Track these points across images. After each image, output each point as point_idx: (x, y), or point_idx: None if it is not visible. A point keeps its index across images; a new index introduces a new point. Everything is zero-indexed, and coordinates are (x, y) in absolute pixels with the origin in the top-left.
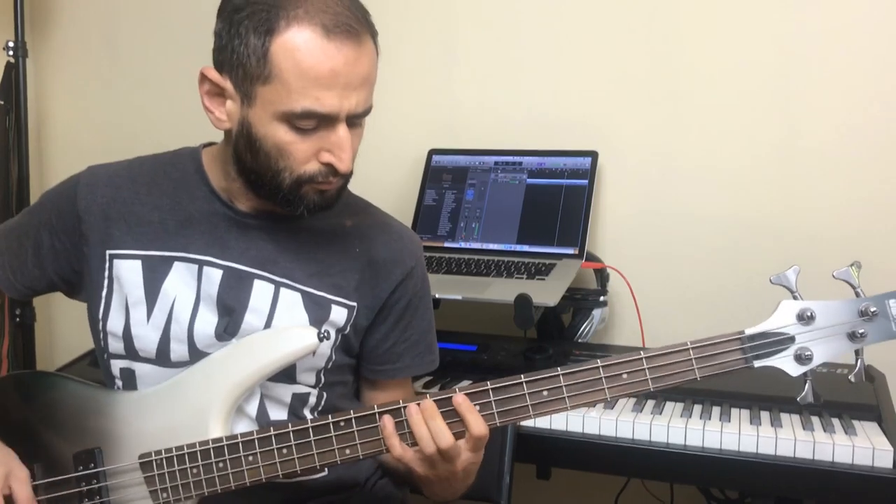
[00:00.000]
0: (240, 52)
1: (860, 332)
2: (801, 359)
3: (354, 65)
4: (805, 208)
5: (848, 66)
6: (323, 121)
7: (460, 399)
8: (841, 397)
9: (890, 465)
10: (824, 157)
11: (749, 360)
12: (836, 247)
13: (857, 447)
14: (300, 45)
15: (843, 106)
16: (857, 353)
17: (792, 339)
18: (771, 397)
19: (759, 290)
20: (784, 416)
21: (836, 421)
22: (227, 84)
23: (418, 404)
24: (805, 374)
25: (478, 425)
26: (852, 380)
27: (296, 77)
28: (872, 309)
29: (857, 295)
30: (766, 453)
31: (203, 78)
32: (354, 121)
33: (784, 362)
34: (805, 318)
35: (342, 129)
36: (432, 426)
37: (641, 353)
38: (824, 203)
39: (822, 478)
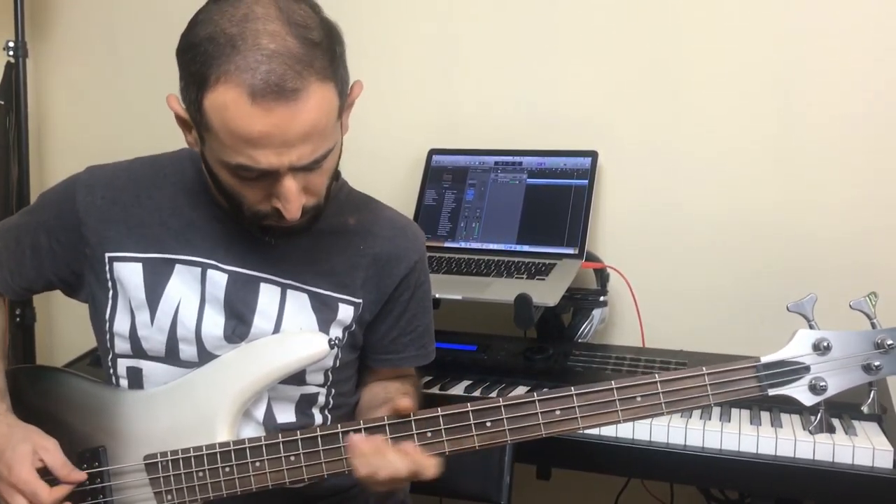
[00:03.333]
0: (185, 96)
1: (875, 364)
2: (815, 389)
3: (289, 124)
4: (806, 208)
5: (850, 67)
6: (264, 173)
7: (410, 448)
8: (841, 397)
9: (890, 465)
10: (825, 156)
11: (764, 388)
12: (836, 246)
13: (857, 447)
14: (227, 106)
15: (846, 106)
16: (871, 385)
17: (807, 369)
18: (771, 397)
19: (759, 289)
20: (784, 417)
21: (836, 421)
22: (187, 115)
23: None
24: (818, 404)
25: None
26: (865, 411)
27: (226, 135)
28: (889, 342)
29: (873, 326)
30: (766, 453)
31: (169, 104)
32: (312, 166)
33: (798, 391)
34: (821, 348)
35: (287, 181)
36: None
37: (656, 375)
38: (825, 202)
39: (822, 478)
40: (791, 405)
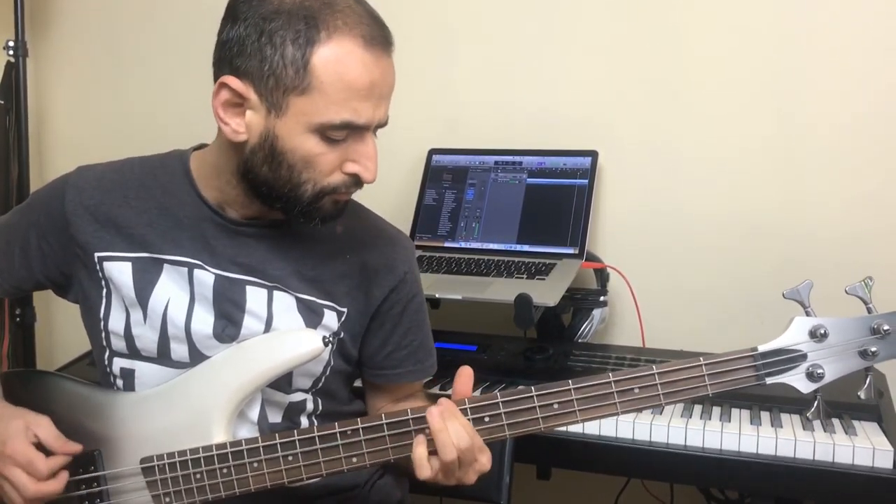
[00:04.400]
0: (273, 62)
1: (872, 350)
2: (812, 376)
3: (386, 75)
4: (806, 207)
5: (850, 67)
6: (354, 131)
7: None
8: (841, 397)
9: (890, 465)
10: (826, 155)
11: (761, 378)
12: (836, 246)
13: (857, 447)
14: (343, 57)
15: (845, 106)
16: (868, 370)
17: (804, 357)
18: (771, 397)
19: (759, 289)
20: (784, 417)
21: (836, 421)
22: (251, 94)
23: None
24: (816, 391)
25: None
26: (862, 396)
27: (338, 89)
28: (885, 327)
29: (869, 311)
30: (767, 453)
31: (221, 87)
32: (384, 125)
33: (796, 379)
34: (818, 335)
35: (370, 140)
36: (451, 427)
37: (654, 367)
38: (825, 202)
39: (823, 478)
40: (791, 405)
